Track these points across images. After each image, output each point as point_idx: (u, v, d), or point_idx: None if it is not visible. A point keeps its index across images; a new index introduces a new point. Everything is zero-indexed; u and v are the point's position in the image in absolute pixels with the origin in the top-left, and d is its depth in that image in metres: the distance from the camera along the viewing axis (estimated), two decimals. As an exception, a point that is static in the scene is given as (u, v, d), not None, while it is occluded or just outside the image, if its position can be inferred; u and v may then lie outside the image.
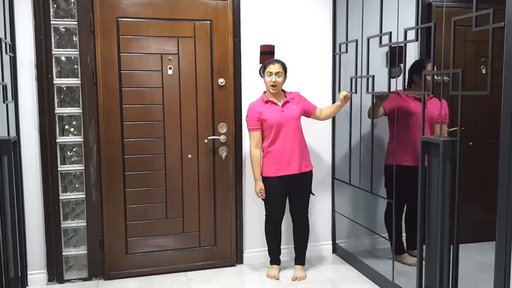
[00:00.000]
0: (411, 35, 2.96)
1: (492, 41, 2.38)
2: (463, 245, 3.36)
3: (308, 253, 3.92)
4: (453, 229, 2.65)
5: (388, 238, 3.71)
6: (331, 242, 4.23)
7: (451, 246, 2.68)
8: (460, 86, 2.55)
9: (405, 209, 3.79)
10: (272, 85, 3.46)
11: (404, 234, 3.86)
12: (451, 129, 3.59)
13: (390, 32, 3.19)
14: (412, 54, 3.78)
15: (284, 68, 3.52)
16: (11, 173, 2.99)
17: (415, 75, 3.48)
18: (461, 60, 3.82)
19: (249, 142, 3.57)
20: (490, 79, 2.40)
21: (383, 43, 3.27)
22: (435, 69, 2.88)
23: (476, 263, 3.68)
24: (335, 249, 4.22)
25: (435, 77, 3.06)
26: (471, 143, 3.98)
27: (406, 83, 3.41)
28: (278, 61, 3.51)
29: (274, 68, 3.46)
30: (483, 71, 3.92)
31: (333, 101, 4.03)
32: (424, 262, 2.86)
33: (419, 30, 2.95)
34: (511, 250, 2.30)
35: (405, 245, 3.85)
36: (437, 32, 2.80)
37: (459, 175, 2.60)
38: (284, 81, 3.53)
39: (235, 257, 3.97)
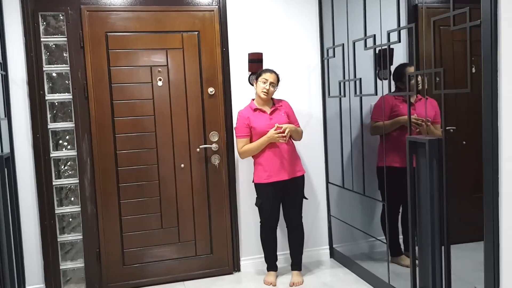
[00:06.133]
0: (397, 37, 2.98)
1: (470, 39, 2.40)
2: (463, 244, 3.36)
3: (306, 258, 3.92)
4: (443, 228, 2.65)
5: (384, 240, 3.70)
6: (328, 246, 4.23)
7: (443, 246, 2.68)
8: (442, 85, 2.57)
9: (401, 210, 3.79)
10: (264, 92, 3.49)
11: (401, 236, 3.86)
12: (447, 128, 3.61)
13: (374, 35, 3.21)
14: (400, 55, 3.81)
15: (278, 80, 3.56)
16: (4, 189, 3.03)
17: (399, 82, 3.50)
18: (449, 60, 3.84)
19: (237, 146, 3.60)
20: (470, 77, 2.43)
21: (367, 46, 3.29)
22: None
23: (475, 262, 3.65)
24: (333, 253, 4.22)
25: (419, 77, 3.09)
26: (464, 142, 3.99)
27: (393, 85, 3.44)
28: (275, 72, 3.55)
29: (270, 77, 3.49)
30: (473, 70, 3.93)
31: (324, 106, 4.06)
32: (418, 262, 2.87)
33: (401, 31, 2.96)
34: (499, 247, 2.30)
35: (402, 246, 3.84)
36: (423, 33, 2.81)
37: (446, 173, 2.60)
38: (274, 92, 3.56)
39: (232, 265, 3.97)
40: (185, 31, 3.72)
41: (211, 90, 3.78)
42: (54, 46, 3.57)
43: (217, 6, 3.76)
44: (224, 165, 3.87)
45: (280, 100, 3.67)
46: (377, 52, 3.33)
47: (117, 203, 3.70)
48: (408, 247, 3.76)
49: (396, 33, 2.96)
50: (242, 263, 4.00)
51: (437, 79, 2.66)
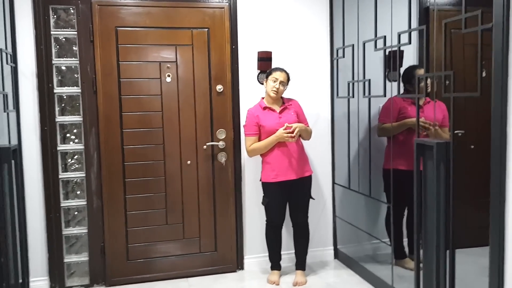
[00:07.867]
0: (408, 38, 2.97)
1: (481, 42, 2.38)
2: (468, 249, 3.33)
3: (310, 259, 3.92)
4: (448, 232, 2.63)
5: (389, 243, 3.69)
6: (332, 247, 4.22)
7: (448, 250, 2.66)
8: (452, 88, 2.55)
9: (405, 213, 3.77)
10: (274, 91, 3.48)
11: (405, 239, 3.84)
12: (456, 132, 3.59)
13: (385, 36, 3.19)
14: (410, 57, 3.78)
15: (288, 79, 3.55)
16: (11, 181, 3.04)
17: (407, 84, 3.49)
18: (460, 63, 3.81)
19: (245, 144, 3.57)
20: (480, 81, 2.40)
21: (378, 47, 3.28)
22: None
23: (480, 267, 3.63)
24: (337, 254, 4.21)
25: (428, 80, 3.06)
26: (472, 146, 3.96)
27: (402, 87, 3.41)
28: (285, 71, 3.54)
29: (280, 76, 3.49)
30: (484, 74, 3.90)
31: (332, 106, 4.05)
32: (422, 266, 2.85)
33: (411, 33, 2.94)
34: (504, 253, 2.29)
35: (407, 249, 3.83)
36: (434, 35, 2.79)
37: (453, 177, 2.59)
38: (284, 91, 3.56)
39: (235, 263, 3.97)
40: (195, 28, 3.72)
41: (219, 87, 3.78)
42: (64, 39, 3.58)
43: (227, 4, 3.76)
44: (231, 163, 3.87)
45: (290, 99, 3.65)
46: (387, 53, 3.31)
47: (123, 198, 3.70)
48: (413, 250, 3.77)
49: (406, 34, 2.95)
50: (246, 261, 4.00)
51: (447, 82, 2.63)
